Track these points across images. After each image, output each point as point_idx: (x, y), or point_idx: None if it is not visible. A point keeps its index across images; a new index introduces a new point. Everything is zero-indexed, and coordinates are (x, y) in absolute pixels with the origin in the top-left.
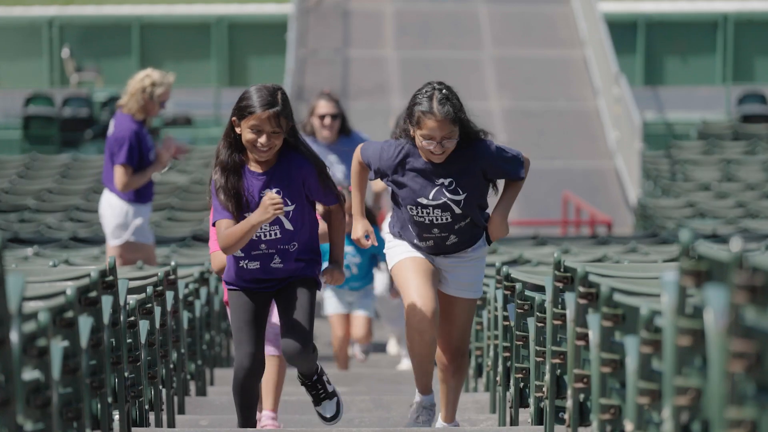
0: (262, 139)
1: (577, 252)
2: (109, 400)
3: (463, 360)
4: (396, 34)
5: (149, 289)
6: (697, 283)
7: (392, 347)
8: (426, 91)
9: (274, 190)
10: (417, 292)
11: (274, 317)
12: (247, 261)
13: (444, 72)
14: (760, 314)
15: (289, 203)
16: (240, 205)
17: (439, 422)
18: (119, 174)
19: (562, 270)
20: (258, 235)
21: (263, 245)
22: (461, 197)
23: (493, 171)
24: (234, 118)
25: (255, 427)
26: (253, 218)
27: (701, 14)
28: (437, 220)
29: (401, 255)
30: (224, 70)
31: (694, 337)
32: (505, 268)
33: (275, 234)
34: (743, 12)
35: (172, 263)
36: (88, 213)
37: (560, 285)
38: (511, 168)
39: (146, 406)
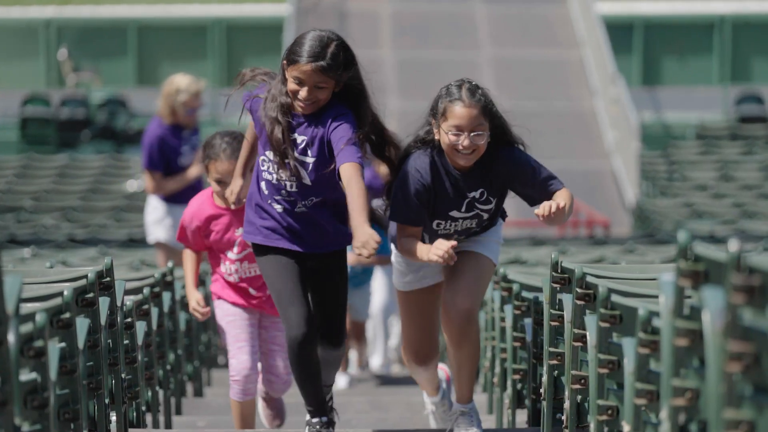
0: (303, 92)
1: (575, 253)
2: (107, 401)
3: (470, 327)
4: (393, 35)
5: (146, 291)
6: (695, 284)
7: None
8: (452, 83)
9: (305, 140)
10: (408, 337)
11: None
12: (271, 201)
13: (442, 73)
14: (758, 315)
15: (310, 155)
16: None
17: (454, 405)
18: (145, 178)
19: (559, 271)
20: (278, 179)
21: (283, 191)
22: (492, 205)
23: (522, 178)
24: (284, 61)
25: (321, 402)
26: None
27: (698, 15)
28: (464, 226)
29: (409, 286)
30: (221, 71)
31: (692, 338)
32: (502, 269)
33: (292, 186)
34: (740, 13)
35: (169, 264)
36: (85, 214)
37: (558, 286)
38: (544, 179)
39: (143, 408)
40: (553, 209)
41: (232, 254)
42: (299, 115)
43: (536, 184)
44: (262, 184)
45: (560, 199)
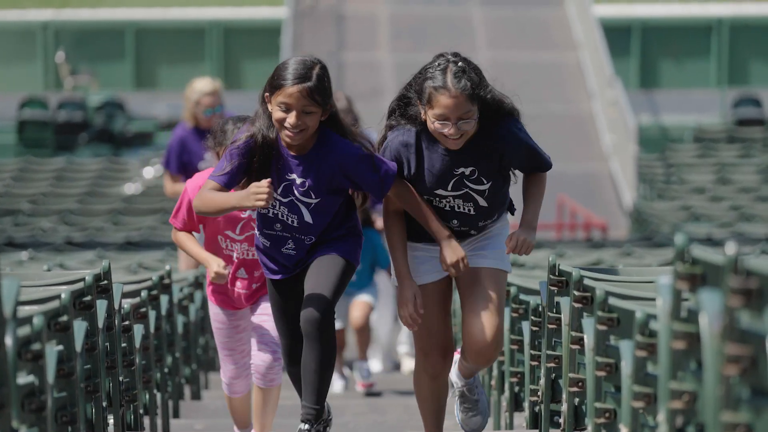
0: (291, 118)
1: (572, 256)
2: (104, 404)
3: (497, 353)
4: (390, 38)
5: (144, 293)
6: (692, 287)
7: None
8: (439, 64)
9: (307, 182)
10: (429, 331)
11: (255, 353)
12: (260, 235)
13: None
14: (755, 318)
15: (313, 196)
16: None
17: (454, 371)
18: (164, 178)
19: (557, 274)
20: (275, 213)
21: (278, 225)
22: (485, 186)
23: (513, 155)
24: (266, 93)
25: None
26: (233, 199)
27: (696, 18)
28: (458, 208)
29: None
30: (219, 74)
31: (689, 341)
32: None
33: (293, 221)
34: (738, 16)
35: (167, 267)
36: (82, 217)
37: (555, 289)
38: (532, 158)
39: (141, 411)
40: (523, 250)
41: (234, 234)
42: (292, 155)
43: (525, 167)
44: (258, 218)
45: (529, 208)
